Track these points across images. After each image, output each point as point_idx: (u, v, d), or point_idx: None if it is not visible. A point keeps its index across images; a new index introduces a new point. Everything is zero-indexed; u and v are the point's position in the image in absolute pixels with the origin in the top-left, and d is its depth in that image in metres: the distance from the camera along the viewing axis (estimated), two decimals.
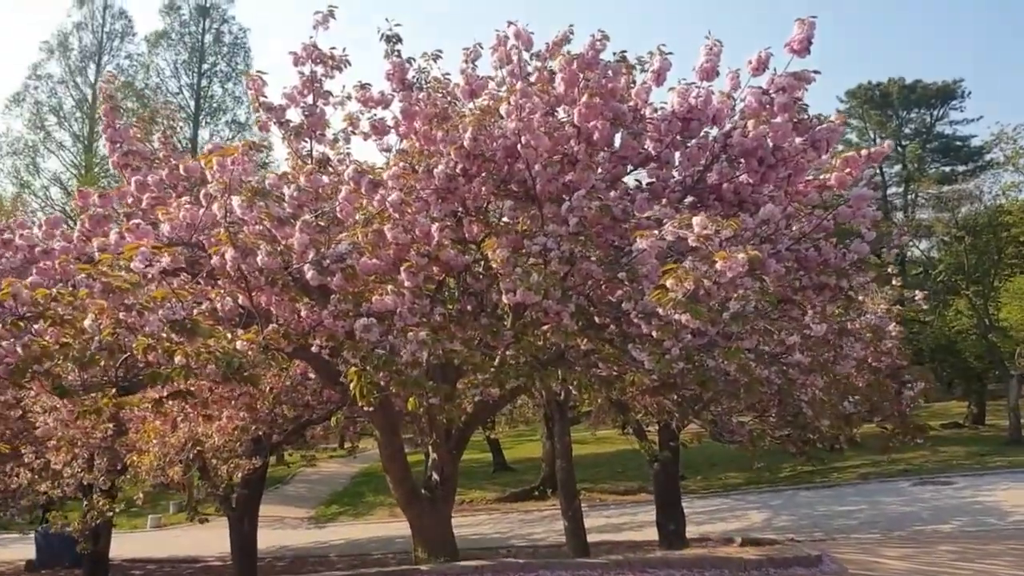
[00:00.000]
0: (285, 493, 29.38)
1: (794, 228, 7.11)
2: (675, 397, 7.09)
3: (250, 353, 4.92)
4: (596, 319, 6.71)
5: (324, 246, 5.33)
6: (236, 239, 5.08)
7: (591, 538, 14.88)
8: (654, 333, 5.80)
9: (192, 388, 6.80)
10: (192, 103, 42.02)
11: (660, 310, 5.35)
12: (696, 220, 5.03)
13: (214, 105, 42.54)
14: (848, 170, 7.07)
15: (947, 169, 45.19)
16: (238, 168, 5.18)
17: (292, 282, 5.56)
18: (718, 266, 4.83)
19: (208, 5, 43.04)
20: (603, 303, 6.88)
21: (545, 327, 6.07)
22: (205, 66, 42.81)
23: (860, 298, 7.02)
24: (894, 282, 8.75)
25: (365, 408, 5.59)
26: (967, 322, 35.37)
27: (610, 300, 6.94)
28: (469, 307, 6.57)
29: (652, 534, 14.70)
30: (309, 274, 5.23)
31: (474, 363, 5.85)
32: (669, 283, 5.04)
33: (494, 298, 6.33)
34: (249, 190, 5.13)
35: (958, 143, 46.50)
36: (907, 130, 48.22)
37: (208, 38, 43.25)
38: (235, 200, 5.24)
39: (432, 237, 6.20)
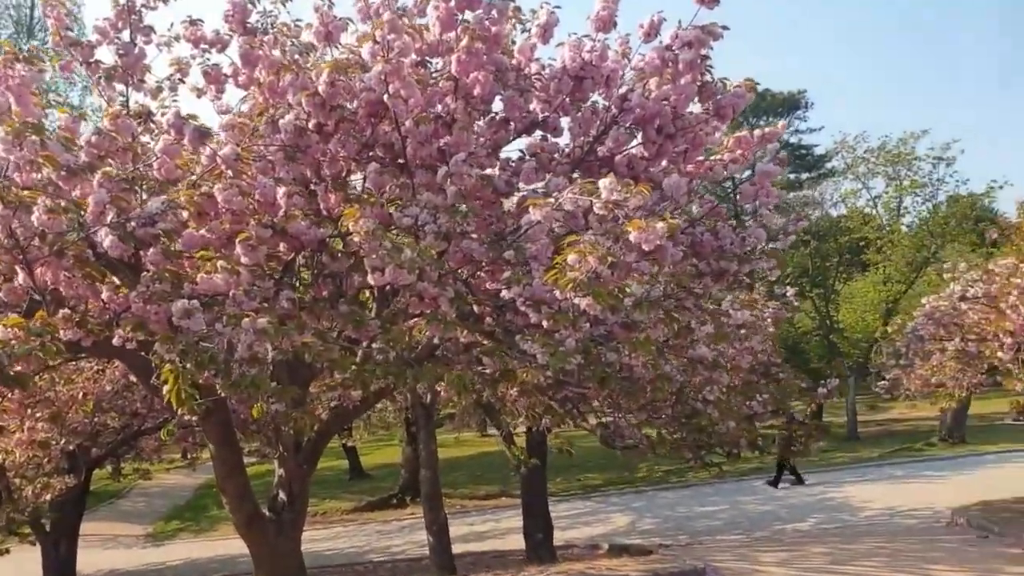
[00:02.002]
0: (120, 508, 26.79)
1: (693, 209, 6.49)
2: (560, 397, 6.26)
3: (16, 345, 3.64)
4: (475, 309, 5.77)
5: (131, 207, 4.09)
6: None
7: (454, 548, 13.95)
8: (545, 323, 4.92)
9: None
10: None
11: (557, 294, 4.48)
12: (604, 183, 4.18)
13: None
14: (740, 151, 6.50)
15: (792, 176, 47.31)
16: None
17: (94, 256, 4.28)
18: (632, 237, 4.00)
19: None
20: (481, 291, 5.95)
21: (417, 317, 5.07)
22: None
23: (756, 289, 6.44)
24: (771, 277, 8.35)
25: (188, 416, 4.44)
26: (810, 324, 37.08)
27: (487, 288, 6.03)
28: (325, 292, 5.44)
29: (517, 542, 13.96)
30: (107, 241, 3.99)
31: (331, 360, 4.76)
32: (571, 259, 4.16)
33: (356, 281, 5.25)
34: (19, 123, 3.84)
35: (803, 151, 48.84)
36: None
37: None
38: None
39: (278, 206, 5.06)
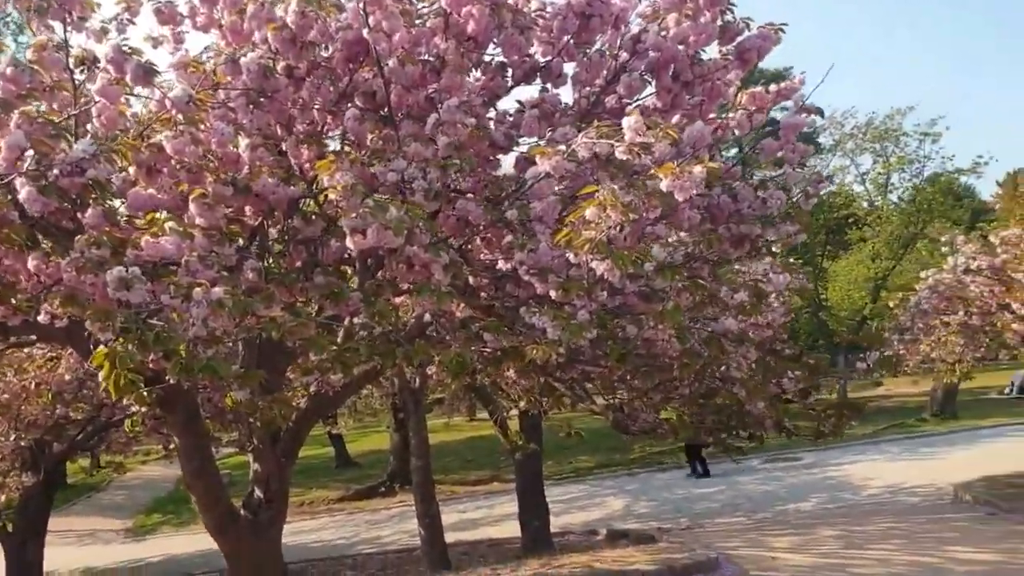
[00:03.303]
0: (99, 502, 25.98)
1: None
2: (567, 378, 5.61)
3: None
4: (471, 281, 5.10)
5: (56, 152, 3.37)
6: None
7: (446, 538, 13.36)
8: (553, 293, 4.27)
9: None
10: None
11: (571, 257, 3.82)
12: (628, 121, 3.51)
13: None
14: (755, 107, 5.85)
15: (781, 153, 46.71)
16: None
17: (18, 216, 3.56)
18: (664, 185, 3.33)
19: None
20: (478, 262, 5.28)
21: (406, 293, 4.40)
22: None
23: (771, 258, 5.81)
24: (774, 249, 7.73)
25: (138, 407, 3.77)
26: (798, 301, 36.66)
27: (484, 259, 5.36)
28: (298, 261, 4.73)
29: (512, 529, 13.39)
30: (23, 192, 3.27)
31: (306, 339, 4.07)
32: (589, 213, 3.50)
33: (334, 248, 4.55)
34: None
35: None
36: None
37: None
38: None
39: (242, 162, 4.35)
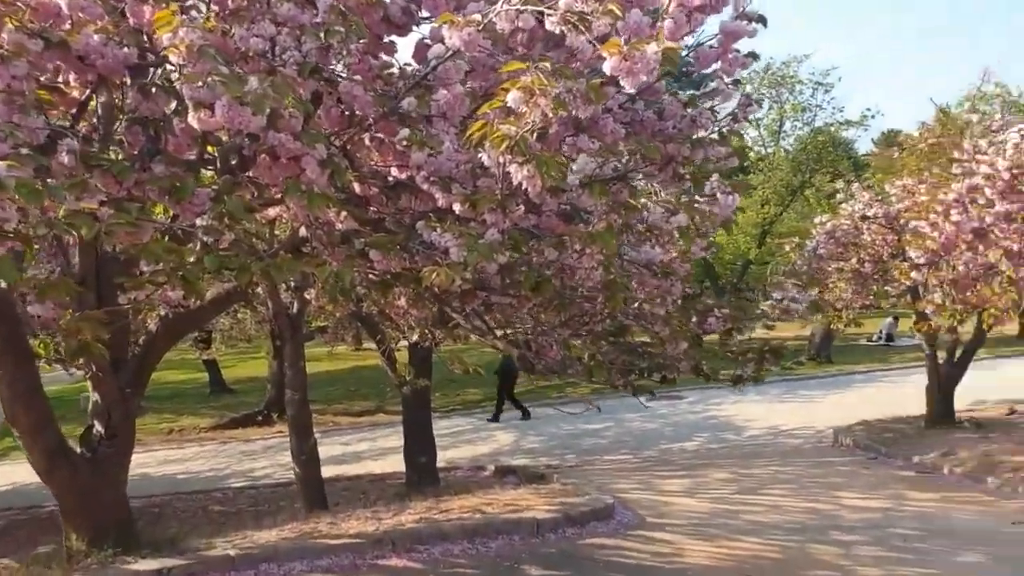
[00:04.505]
0: None
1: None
2: (468, 309, 4.89)
3: None
4: (357, 189, 4.27)
5: None
6: None
7: (326, 471, 12.61)
8: (458, 206, 3.52)
9: None
10: None
11: (486, 158, 3.07)
12: None
13: None
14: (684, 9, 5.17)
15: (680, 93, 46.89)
16: None
17: None
18: (609, 66, 2.60)
19: None
20: (366, 168, 4.44)
21: (274, 187, 3.55)
22: None
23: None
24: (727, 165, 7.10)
25: None
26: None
27: (375, 166, 4.52)
28: (136, 149, 3.74)
29: (396, 463, 12.78)
30: None
31: (137, 243, 3.17)
32: (512, 98, 2.73)
33: (177, 130, 3.60)
34: None
35: (689, 66, 48.30)
36: None
37: None
38: None
39: (62, 15, 3.35)
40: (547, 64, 2.78)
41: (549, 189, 3.46)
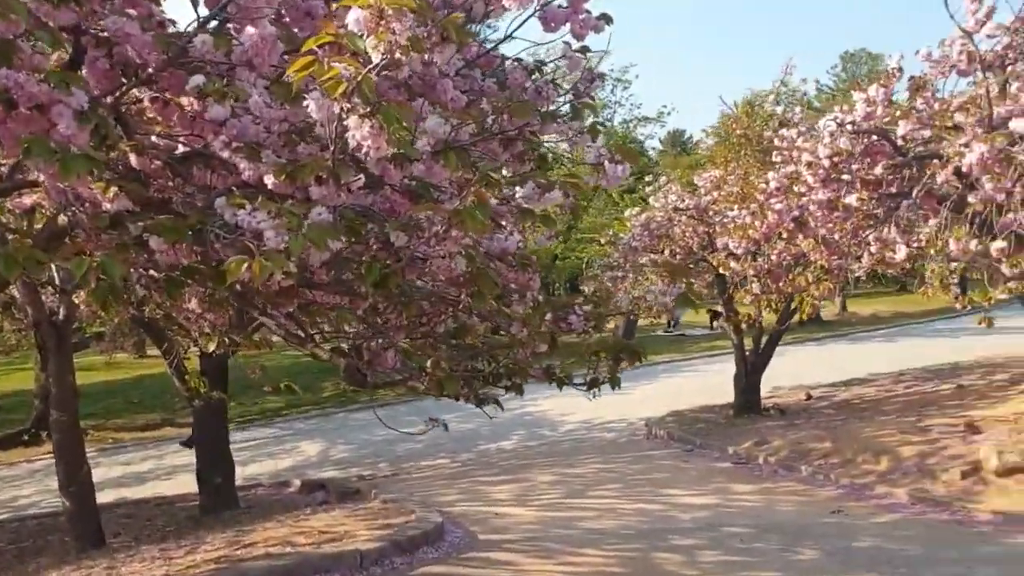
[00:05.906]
0: None
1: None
2: (283, 312, 3.94)
3: None
4: (134, 161, 3.26)
5: None
6: None
7: (105, 495, 10.97)
8: (270, 180, 2.66)
9: None
10: None
11: (312, 109, 2.25)
12: None
13: None
14: None
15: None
16: None
17: None
18: None
19: None
20: (146, 140, 3.43)
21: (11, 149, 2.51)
22: None
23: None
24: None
25: None
26: None
27: (157, 136, 3.52)
28: None
29: (188, 483, 11.35)
30: None
31: None
32: (352, 19, 1.93)
33: None
34: None
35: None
36: None
37: None
38: None
39: None
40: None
41: (393, 157, 2.67)
